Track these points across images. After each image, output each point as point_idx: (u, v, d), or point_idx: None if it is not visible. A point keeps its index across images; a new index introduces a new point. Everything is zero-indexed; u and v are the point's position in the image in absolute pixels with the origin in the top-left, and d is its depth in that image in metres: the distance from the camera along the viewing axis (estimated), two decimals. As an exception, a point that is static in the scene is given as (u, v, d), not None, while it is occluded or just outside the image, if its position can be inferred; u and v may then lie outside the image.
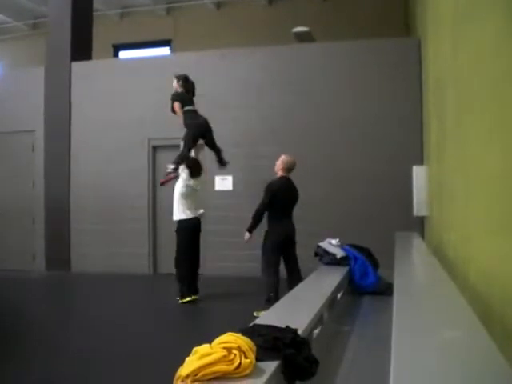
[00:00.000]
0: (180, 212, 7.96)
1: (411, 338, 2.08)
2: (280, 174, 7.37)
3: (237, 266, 9.98)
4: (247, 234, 7.25)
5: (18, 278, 10.65)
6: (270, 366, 2.63)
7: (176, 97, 8.58)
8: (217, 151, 8.68)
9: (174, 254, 8.04)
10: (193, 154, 8.42)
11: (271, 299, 6.40)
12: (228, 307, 7.80)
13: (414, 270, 4.43)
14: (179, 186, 8.04)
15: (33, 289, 9.79)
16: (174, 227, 8.05)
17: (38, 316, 7.41)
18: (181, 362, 2.52)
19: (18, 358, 5.40)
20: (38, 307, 8.06)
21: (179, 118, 8.53)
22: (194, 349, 2.58)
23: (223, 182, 10.47)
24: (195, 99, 8.79)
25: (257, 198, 9.27)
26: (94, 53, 12.40)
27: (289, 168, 7.38)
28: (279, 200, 7.20)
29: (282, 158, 7.44)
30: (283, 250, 7.23)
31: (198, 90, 10.60)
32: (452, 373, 1.66)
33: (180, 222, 7.97)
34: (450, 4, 4.69)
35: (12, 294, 8.96)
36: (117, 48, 17.09)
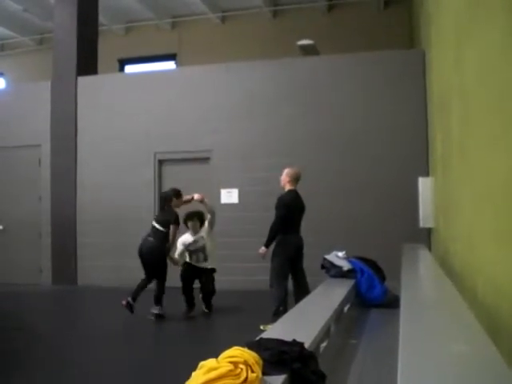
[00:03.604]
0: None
1: (418, 351, 2.06)
2: (288, 187, 7.32)
3: (243, 280, 9.96)
4: (263, 249, 7.18)
5: (24, 291, 10.67)
6: (277, 381, 2.61)
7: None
8: None
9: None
10: None
11: (279, 312, 6.37)
12: (234, 320, 7.79)
13: (420, 283, 4.41)
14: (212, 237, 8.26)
15: (39, 302, 9.79)
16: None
17: (44, 329, 7.41)
18: (187, 377, 2.51)
19: (24, 370, 5.39)
20: (43, 321, 8.05)
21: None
22: (201, 363, 2.57)
23: (229, 195, 10.47)
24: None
25: (263, 210, 9.30)
26: (100, 67, 12.48)
27: (296, 179, 7.34)
28: (290, 213, 7.17)
29: (287, 170, 7.40)
30: (292, 263, 7.20)
31: (203, 104, 10.71)
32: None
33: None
34: (452, 14, 4.71)
35: (18, 308, 8.98)
36: (122, 62, 17.18)
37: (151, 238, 7.81)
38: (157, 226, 7.83)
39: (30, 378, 5.20)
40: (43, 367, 5.60)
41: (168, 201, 7.93)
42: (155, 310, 7.60)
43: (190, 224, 8.12)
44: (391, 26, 14.03)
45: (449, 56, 5.16)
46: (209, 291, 8.05)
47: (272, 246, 7.21)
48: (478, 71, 3.41)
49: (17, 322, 7.88)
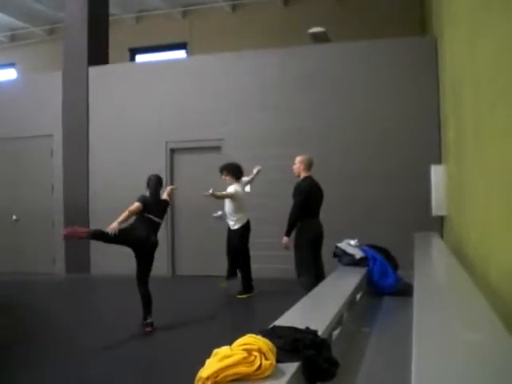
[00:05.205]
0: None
1: (432, 338, 2.07)
2: (303, 174, 7.33)
3: (255, 268, 9.94)
4: (285, 238, 7.16)
5: (38, 281, 10.75)
6: (291, 368, 2.63)
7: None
8: None
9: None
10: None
11: None
12: (249, 309, 7.81)
13: (433, 271, 4.40)
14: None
15: (53, 292, 9.86)
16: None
17: (58, 319, 7.47)
18: (201, 364, 2.53)
19: (38, 359, 5.44)
20: (57, 310, 8.11)
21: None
22: (215, 351, 2.59)
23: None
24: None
25: (274, 199, 9.28)
26: (111, 57, 12.49)
27: (309, 165, 7.36)
28: (310, 199, 7.18)
29: (299, 158, 7.39)
30: (313, 249, 7.21)
31: (215, 92, 10.65)
32: (473, 375, 1.65)
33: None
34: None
35: (32, 298, 9.05)
36: (133, 52, 17.16)
37: (153, 236, 6.99)
38: (159, 220, 7.09)
39: (46, 365, 5.26)
40: (58, 355, 5.65)
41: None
42: (150, 319, 6.70)
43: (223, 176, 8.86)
44: (403, 12, 13.90)
45: (462, 42, 5.11)
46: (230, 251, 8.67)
47: (293, 235, 7.18)
48: (491, 58, 3.38)
49: (29, 311, 7.95)
